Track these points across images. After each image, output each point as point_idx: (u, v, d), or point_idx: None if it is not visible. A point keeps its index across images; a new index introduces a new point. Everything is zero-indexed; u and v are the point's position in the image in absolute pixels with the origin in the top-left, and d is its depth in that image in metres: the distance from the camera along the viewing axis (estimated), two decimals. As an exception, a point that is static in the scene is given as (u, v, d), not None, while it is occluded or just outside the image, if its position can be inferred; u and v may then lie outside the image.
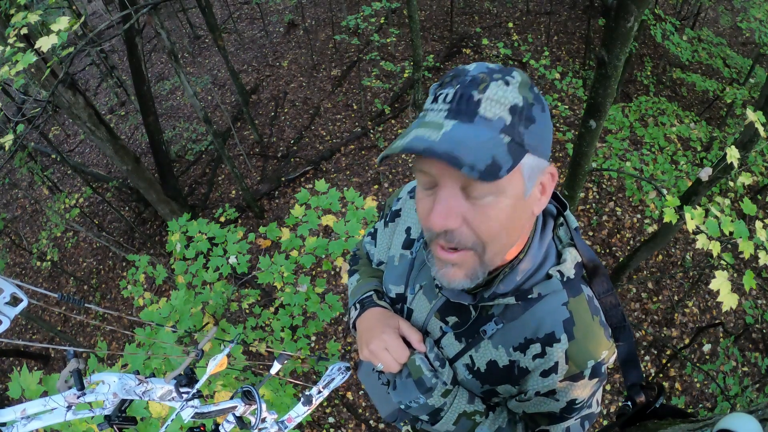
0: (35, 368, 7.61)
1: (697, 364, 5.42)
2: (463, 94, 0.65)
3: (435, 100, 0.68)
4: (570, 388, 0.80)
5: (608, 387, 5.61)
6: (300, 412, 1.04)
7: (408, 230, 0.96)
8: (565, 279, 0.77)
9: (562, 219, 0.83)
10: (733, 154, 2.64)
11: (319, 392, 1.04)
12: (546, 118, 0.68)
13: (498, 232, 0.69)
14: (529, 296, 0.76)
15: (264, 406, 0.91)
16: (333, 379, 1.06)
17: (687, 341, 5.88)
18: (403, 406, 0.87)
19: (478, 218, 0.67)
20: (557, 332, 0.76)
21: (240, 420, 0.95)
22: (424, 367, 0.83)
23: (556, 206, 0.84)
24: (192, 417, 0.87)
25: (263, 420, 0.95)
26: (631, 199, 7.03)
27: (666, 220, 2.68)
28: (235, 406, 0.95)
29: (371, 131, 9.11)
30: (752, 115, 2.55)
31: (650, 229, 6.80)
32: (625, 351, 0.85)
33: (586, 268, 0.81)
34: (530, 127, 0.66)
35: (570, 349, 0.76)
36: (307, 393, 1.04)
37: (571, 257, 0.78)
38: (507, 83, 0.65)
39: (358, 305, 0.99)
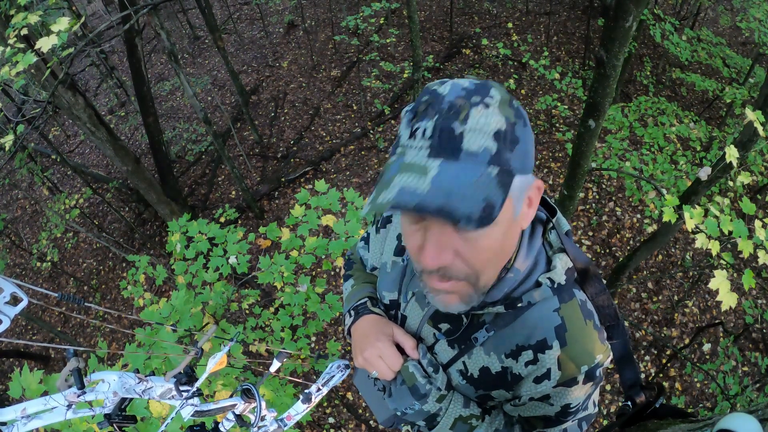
0: (35, 368, 7.60)
1: (697, 364, 5.42)
2: (443, 127, 0.60)
3: (412, 134, 0.63)
4: (564, 393, 0.80)
5: (608, 387, 5.62)
6: (299, 410, 1.04)
7: (399, 237, 0.95)
8: (555, 285, 0.76)
9: (551, 224, 0.82)
10: (732, 154, 2.64)
11: (319, 390, 1.04)
12: (528, 132, 0.66)
13: (490, 260, 0.69)
14: (519, 305, 0.76)
15: (263, 404, 0.91)
16: (332, 376, 1.06)
17: (687, 341, 5.89)
18: (399, 413, 0.87)
19: (471, 252, 0.66)
20: (549, 339, 0.76)
21: (239, 418, 0.95)
22: (417, 374, 0.83)
23: (545, 211, 0.84)
24: (192, 415, 0.87)
25: (263, 418, 0.95)
26: (630, 199, 7.04)
27: (665, 219, 2.68)
28: (235, 404, 0.95)
29: (371, 132, 9.12)
30: (751, 115, 2.55)
31: (650, 229, 6.81)
32: (619, 349, 0.85)
33: (578, 272, 0.80)
34: (515, 148, 0.63)
35: (562, 356, 0.76)
36: (306, 391, 1.04)
37: (562, 263, 0.78)
38: (487, 106, 0.61)
39: (352, 312, 0.99)
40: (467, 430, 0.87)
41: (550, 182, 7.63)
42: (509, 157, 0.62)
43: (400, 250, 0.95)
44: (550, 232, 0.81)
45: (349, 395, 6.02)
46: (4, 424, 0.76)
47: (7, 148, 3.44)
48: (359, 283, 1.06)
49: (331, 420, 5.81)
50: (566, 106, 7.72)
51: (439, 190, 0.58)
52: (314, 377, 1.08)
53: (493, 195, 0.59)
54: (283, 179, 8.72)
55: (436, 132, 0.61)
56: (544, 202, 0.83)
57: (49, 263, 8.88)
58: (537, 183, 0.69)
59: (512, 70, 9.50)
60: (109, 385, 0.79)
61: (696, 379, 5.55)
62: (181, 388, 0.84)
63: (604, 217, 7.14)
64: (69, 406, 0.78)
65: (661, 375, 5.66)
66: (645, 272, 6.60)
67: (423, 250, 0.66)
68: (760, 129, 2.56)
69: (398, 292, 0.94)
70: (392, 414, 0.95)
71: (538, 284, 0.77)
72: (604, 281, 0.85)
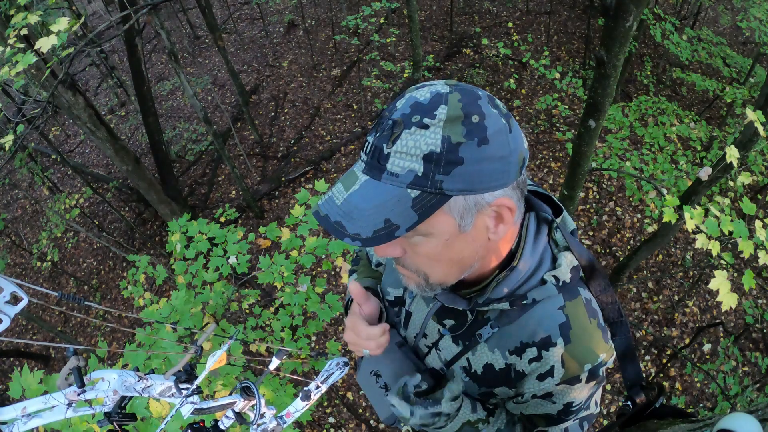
0: (36, 368, 7.61)
1: (698, 364, 5.42)
2: (376, 147, 0.64)
3: (363, 146, 0.68)
4: (567, 391, 0.80)
5: (608, 387, 5.61)
6: (298, 408, 1.05)
7: None
8: (560, 283, 0.77)
9: (556, 223, 0.83)
10: (732, 154, 2.64)
11: (318, 387, 1.04)
12: (483, 151, 0.62)
13: (431, 265, 0.74)
14: (524, 302, 0.76)
15: (263, 401, 0.92)
16: (331, 374, 1.06)
17: (687, 341, 5.88)
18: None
19: (411, 254, 0.73)
20: (553, 336, 0.76)
21: (239, 415, 0.95)
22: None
23: (550, 211, 0.84)
24: (191, 413, 0.88)
25: (262, 415, 0.96)
26: (631, 199, 7.04)
27: (666, 219, 2.68)
28: (234, 402, 0.95)
29: (371, 131, 9.12)
30: (752, 115, 2.55)
31: (650, 229, 6.81)
32: (622, 346, 0.85)
33: (583, 269, 0.81)
34: (454, 170, 0.61)
35: (566, 353, 0.76)
36: (305, 388, 1.05)
37: (567, 261, 0.78)
38: (425, 127, 0.61)
39: (347, 309, 1.02)
40: None
41: (551, 182, 7.62)
42: (441, 179, 0.62)
43: None
44: (556, 231, 0.82)
45: (350, 395, 6.03)
46: (4, 423, 0.76)
47: (7, 148, 3.45)
48: (361, 277, 1.08)
49: (331, 420, 5.81)
50: (566, 106, 7.71)
51: (346, 207, 0.65)
52: (314, 377, 1.08)
53: (399, 216, 0.63)
54: (283, 179, 8.72)
55: (371, 149, 0.66)
56: (550, 202, 0.84)
57: (50, 263, 8.88)
58: (504, 201, 0.67)
59: (512, 70, 9.49)
60: (109, 384, 0.79)
61: (696, 379, 5.55)
62: (181, 386, 0.84)
63: (605, 217, 7.14)
64: (69, 405, 0.78)
65: (661, 375, 5.66)
66: (645, 272, 6.60)
67: None
68: (760, 129, 2.56)
69: (404, 289, 0.95)
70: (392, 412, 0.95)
71: (543, 282, 0.77)
72: None
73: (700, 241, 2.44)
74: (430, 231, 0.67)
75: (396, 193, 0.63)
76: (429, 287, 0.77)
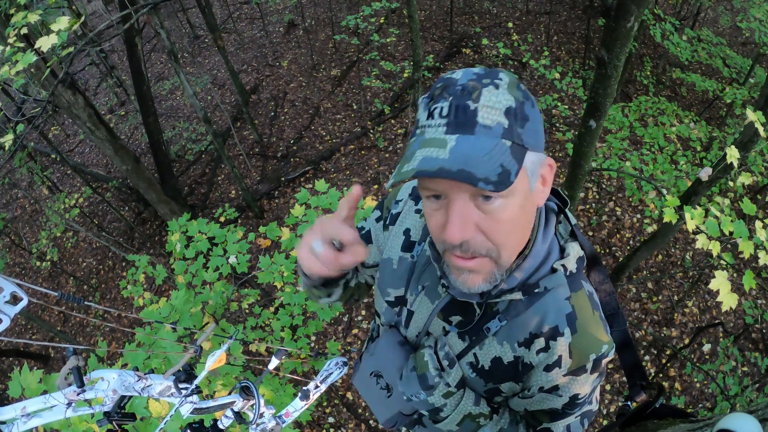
0: (35, 368, 7.59)
1: (697, 364, 5.42)
2: (458, 105, 0.64)
3: (430, 115, 0.67)
4: (572, 383, 0.80)
5: (608, 387, 5.61)
6: (297, 407, 1.05)
7: (407, 232, 0.95)
8: (568, 273, 0.78)
9: (562, 216, 0.84)
10: (732, 154, 2.64)
11: (317, 387, 1.04)
12: (537, 112, 0.69)
13: (510, 233, 0.70)
14: (536, 290, 0.77)
15: (262, 401, 0.91)
16: (330, 373, 1.06)
17: (687, 341, 5.88)
18: (405, 398, 0.88)
19: (492, 224, 0.68)
20: (561, 326, 0.77)
21: (238, 415, 0.95)
22: (430, 364, 0.83)
23: (557, 203, 0.85)
24: (191, 412, 0.87)
25: (261, 415, 0.95)
26: (630, 199, 7.03)
27: (666, 220, 2.68)
28: (234, 402, 0.95)
29: (371, 131, 9.12)
30: (752, 115, 2.55)
31: (650, 229, 6.80)
32: (620, 336, 0.88)
33: (588, 259, 0.83)
34: (526, 125, 0.66)
35: (573, 343, 0.77)
36: (304, 388, 1.05)
37: (574, 251, 0.80)
38: (497, 87, 0.65)
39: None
40: (474, 429, 0.87)
41: (550, 182, 7.61)
42: (521, 132, 0.66)
43: (408, 246, 0.94)
44: (560, 224, 0.83)
45: (349, 395, 6.02)
46: (3, 422, 0.76)
47: (6, 147, 3.44)
48: None
49: (330, 420, 5.81)
50: (566, 106, 7.71)
51: (458, 157, 0.61)
52: (313, 376, 1.08)
53: (507, 163, 0.63)
54: (283, 179, 8.72)
55: (452, 110, 0.65)
56: (556, 194, 0.85)
57: (49, 262, 8.88)
58: (549, 161, 0.72)
59: (512, 70, 9.49)
60: (109, 383, 0.79)
61: (696, 379, 5.54)
62: (180, 385, 0.84)
63: (604, 217, 7.14)
64: (69, 405, 0.77)
65: (661, 375, 5.66)
66: (645, 272, 6.59)
67: (448, 225, 0.67)
68: (760, 129, 2.56)
69: (405, 288, 0.94)
70: (394, 413, 0.95)
71: (553, 270, 0.78)
72: None
73: (701, 242, 2.43)
74: (514, 189, 0.66)
75: (494, 142, 0.64)
76: (499, 270, 0.73)
